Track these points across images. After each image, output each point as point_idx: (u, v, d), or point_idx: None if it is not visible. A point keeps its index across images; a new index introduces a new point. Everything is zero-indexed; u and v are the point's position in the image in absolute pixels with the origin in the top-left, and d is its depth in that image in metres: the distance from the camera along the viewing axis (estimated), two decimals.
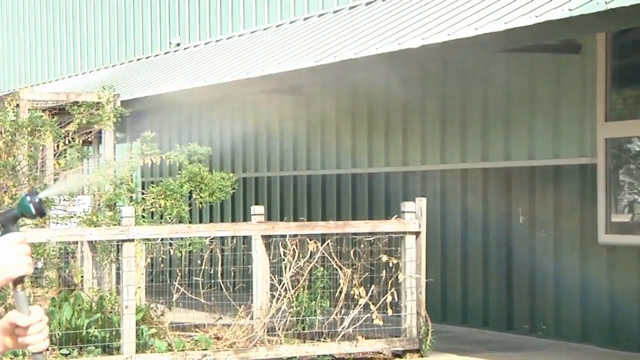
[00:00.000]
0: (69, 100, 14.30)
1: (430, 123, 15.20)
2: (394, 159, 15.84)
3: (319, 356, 11.98)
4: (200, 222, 18.71)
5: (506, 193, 14.07)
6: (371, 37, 13.68)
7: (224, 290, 12.68)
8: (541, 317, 13.52)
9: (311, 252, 12.28)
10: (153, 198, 12.77)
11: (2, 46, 30.08)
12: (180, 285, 12.42)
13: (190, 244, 12.49)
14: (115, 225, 12.17)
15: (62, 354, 11.54)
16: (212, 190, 12.68)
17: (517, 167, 13.91)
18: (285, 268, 12.28)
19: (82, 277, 14.74)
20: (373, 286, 12.31)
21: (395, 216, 12.61)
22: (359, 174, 16.49)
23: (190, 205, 13.28)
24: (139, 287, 13.01)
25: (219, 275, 12.68)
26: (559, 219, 13.33)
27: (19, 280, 2.60)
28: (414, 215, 12.31)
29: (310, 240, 12.32)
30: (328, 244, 12.32)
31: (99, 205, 13.32)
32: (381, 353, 12.16)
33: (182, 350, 11.67)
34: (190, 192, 12.93)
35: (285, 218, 16.35)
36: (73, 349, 11.57)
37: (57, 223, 13.06)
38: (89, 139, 14.71)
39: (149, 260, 13.01)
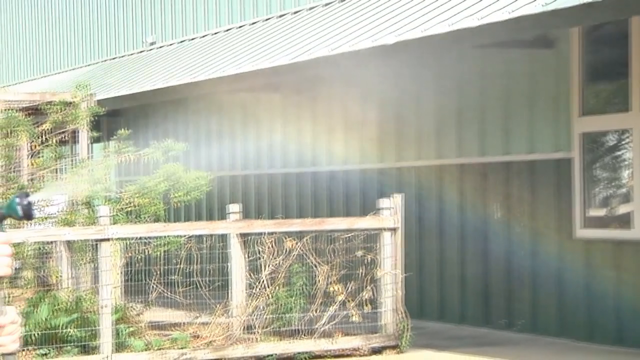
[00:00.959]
0: (44, 100, 14.20)
1: (406, 119, 15.18)
2: (369, 156, 15.81)
3: (297, 353, 11.94)
4: (177, 220, 18.63)
5: (482, 189, 14.08)
6: (346, 34, 13.65)
7: (202, 288, 12.62)
8: (518, 312, 13.53)
9: (288, 250, 12.24)
10: (129, 197, 12.70)
11: None
12: (158, 284, 12.37)
13: (167, 243, 12.42)
14: (91, 224, 12.10)
15: (40, 354, 11.47)
16: (188, 189, 12.63)
17: (493, 162, 13.91)
18: (263, 266, 12.24)
19: (58, 277, 14.66)
20: (351, 283, 12.28)
21: (372, 213, 12.58)
22: (335, 172, 16.46)
23: (167, 204, 13.21)
24: (116, 287, 12.94)
25: (196, 273, 12.62)
26: (535, 214, 13.34)
27: None
28: (390, 212, 12.29)
29: (287, 238, 12.29)
30: (305, 241, 12.29)
31: (75, 204, 13.23)
32: (359, 350, 12.13)
33: (160, 349, 11.62)
34: (167, 191, 12.86)
35: (261, 216, 16.31)
36: (51, 349, 11.51)
37: (33, 223, 12.95)
38: (65, 139, 14.61)
39: (125, 259, 12.93)
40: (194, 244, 12.88)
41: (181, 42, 20.40)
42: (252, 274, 12.27)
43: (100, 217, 11.60)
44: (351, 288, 12.21)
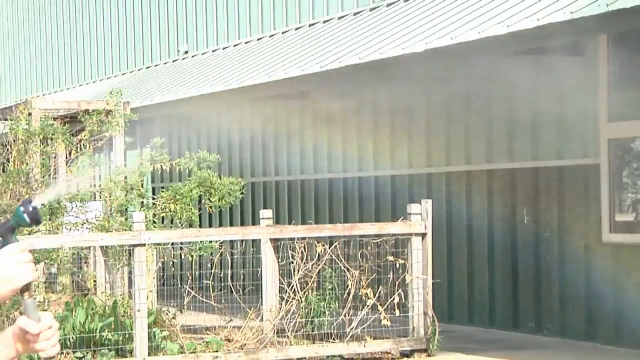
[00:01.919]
0: (80, 108, 14.34)
1: (435, 126, 15.20)
2: (399, 162, 15.85)
3: (327, 357, 11.98)
4: (210, 226, 18.72)
5: (511, 194, 14.08)
6: (376, 42, 13.70)
7: (234, 292, 12.70)
8: (547, 316, 13.52)
9: (319, 255, 12.29)
10: (163, 203, 12.79)
11: (14, 56, 30.14)
12: (191, 289, 12.45)
13: (200, 248, 12.50)
14: (126, 230, 12.19)
15: (77, 357, 11.57)
16: (222, 194, 12.70)
17: (522, 168, 13.91)
18: (294, 270, 12.29)
19: (94, 281, 14.78)
20: (380, 287, 12.32)
21: (402, 218, 12.62)
22: (365, 177, 16.50)
23: (200, 209, 13.30)
24: (151, 291, 13.03)
25: (229, 278, 12.70)
26: (563, 219, 13.33)
27: (25, 289, 2.60)
28: (419, 217, 12.32)
29: (318, 242, 12.33)
30: (336, 246, 12.33)
31: (110, 210, 13.33)
32: (389, 353, 12.16)
33: (194, 352, 11.69)
34: (200, 197, 12.95)
35: (293, 221, 16.38)
36: (87, 352, 11.60)
37: (70, 229, 13.08)
38: (100, 146, 14.73)
39: (160, 264, 13.03)
40: (226, 249, 12.96)
41: (214, 51, 20.50)
42: (283, 279, 12.32)
43: (135, 222, 11.68)
44: (381, 292, 12.24)
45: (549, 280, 13.47)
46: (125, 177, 13.20)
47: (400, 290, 12.19)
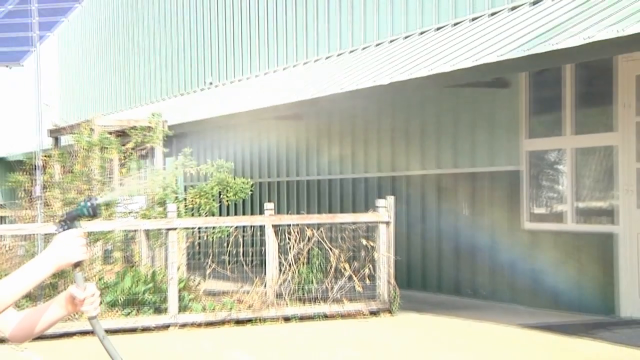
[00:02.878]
0: (129, 125, 14.31)
1: (397, 140, 15.20)
2: (370, 167, 15.85)
3: (314, 314, 11.96)
4: (228, 214, 18.70)
5: (455, 192, 14.09)
6: (375, 70, 13.67)
7: (245, 266, 12.69)
8: (481, 284, 13.53)
9: (309, 237, 12.28)
10: (191, 197, 12.77)
11: (81, 86, 30.10)
12: (212, 263, 12.44)
13: (219, 231, 12.49)
14: (163, 217, 12.19)
15: (124, 314, 11.54)
16: (235, 191, 12.69)
17: (462, 173, 13.93)
18: (290, 249, 12.28)
19: (139, 257, 14.74)
20: (355, 262, 12.31)
21: (371, 210, 12.62)
22: (345, 179, 16.50)
23: (220, 202, 13.28)
24: (181, 265, 13.00)
25: (241, 255, 12.68)
26: (492, 211, 13.35)
27: (77, 264, 2.62)
28: (385, 209, 12.31)
29: (307, 228, 12.33)
30: (321, 231, 12.32)
31: (152, 203, 13.31)
32: (361, 312, 12.15)
33: (213, 311, 11.68)
34: (220, 193, 12.93)
35: (289, 212, 16.37)
36: (132, 310, 11.58)
37: (121, 217, 13.06)
38: (144, 154, 14.71)
39: (188, 244, 13.00)
40: (239, 232, 12.95)
41: (231, 82, 20.47)
42: (282, 255, 12.32)
43: (169, 212, 11.68)
44: (355, 266, 12.23)
45: (482, 257, 13.48)
46: (164, 178, 13.18)
47: (370, 265, 12.18)
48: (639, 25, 8.43)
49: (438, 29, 14.10)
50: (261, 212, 14.30)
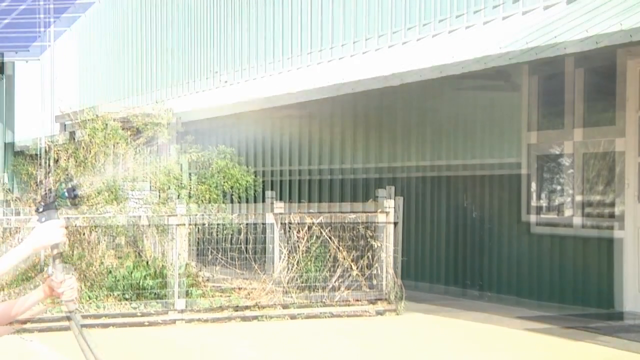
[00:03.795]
0: (134, 112, 14.20)
1: (406, 138, 15.17)
2: (376, 162, 15.81)
3: (321, 312, 11.94)
4: (232, 204, 18.68)
5: (457, 186, 14.06)
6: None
7: (253, 262, 12.66)
8: (486, 282, 13.49)
9: (316, 236, 12.24)
10: (193, 184, 12.73)
11: (96, 81, 30.10)
12: (220, 257, 12.42)
13: (224, 223, 12.42)
14: (167, 208, 12.13)
15: (132, 307, 11.53)
16: (236, 180, 12.60)
17: (464, 164, 13.91)
18: (298, 246, 12.24)
19: (143, 245, 14.68)
20: (362, 261, 12.26)
21: (380, 210, 12.57)
22: (345, 178, 16.45)
23: (224, 191, 13.17)
24: (185, 257, 12.96)
25: (248, 251, 12.66)
26: (493, 204, 13.37)
27: (57, 255, 2.64)
28: (391, 207, 12.23)
29: (315, 225, 12.28)
30: (329, 229, 12.28)
31: (158, 192, 13.18)
32: (367, 311, 12.12)
33: (220, 307, 11.66)
34: (220, 181, 12.86)
35: (298, 209, 16.30)
36: (140, 304, 11.54)
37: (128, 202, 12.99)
38: (150, 142, 14.65)
39: (189, 230, 12.93)
40: (246, 228, 12.88)
41: (246, 81, 20.43)
42: (289, 252, 12.27)
43: (178, 207, 11.66)
44: (362, 265, 12.18)
45: (485, 250, 13.46)
46: (165, 165, 13.12)
47: (376, 264, 12.15)
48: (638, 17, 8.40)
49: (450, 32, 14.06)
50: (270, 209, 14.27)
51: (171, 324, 11.37)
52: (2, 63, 19.69)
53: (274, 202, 12.26)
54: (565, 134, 12.19)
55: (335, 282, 12.17)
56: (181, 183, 13.06)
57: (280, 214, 12.11)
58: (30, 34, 18.29)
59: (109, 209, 11.87)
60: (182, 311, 11.40)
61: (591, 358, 9.31)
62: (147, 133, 13.26)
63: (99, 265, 12.34)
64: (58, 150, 14.05)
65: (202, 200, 12.66)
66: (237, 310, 11.59)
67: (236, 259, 12.53)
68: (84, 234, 12.34)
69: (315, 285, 12.19)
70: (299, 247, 12.21)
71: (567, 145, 12.18)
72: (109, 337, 10.48)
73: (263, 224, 12.62)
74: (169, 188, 12.76)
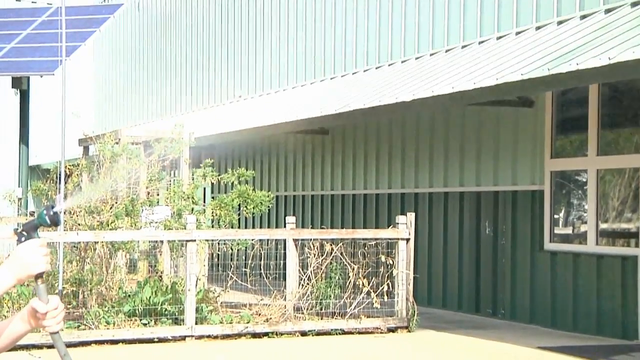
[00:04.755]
0: (155, 136, 14.24)
1: (421, 157, 15.07)
2: (394, 183, 15.72)
3: (332, 330, 11.84)
4: (253, 227, 18.63)
5: (477, 210, 13.92)
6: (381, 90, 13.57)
7: (265, 278, 12.60)
8: (501, 303, 13.33)
9: (328, 252, 12.17)
10: (211, 209, 12.70)
11: (112, 97, 30.24)
12: (232, 274, 12.36)
13: (238, 243, 12.42)
14: (182, 229, 12.11)
15: (143, 324, 11.49)
16: (256, 203, 12.61)
17: (485, 191, 13.76)
18: (309, 264, 12.18)
19: (162, 267, 14.66)
20: (374, 278, 12.17)
21: (391, 226, 12.48)
22: (368, 194, 16.37)
23: (239, 214, 13.19)
24: (204, 275, 12.92)
25: (261, 267, 12.60)
26: (515, 230, 13.16)
27: (39, 276, 2.50)
28: (405, 226, 12.17)
29: (328, 243, 12.22)
30: (341, 246, 12.21)
31: (175, 214, 13.23)
32: (379, 329, 12.02)
33: (230, 323, 11.59)
34: (239, 206, 12.86)
35: (312, 226, 16.26)
36: (151, 320, 11.52)
37: (141, 227, 12.98)
38: (169, 164, 14.65)
39: (209, 255, 12.91)
40: (260, 245, 12.86)
41: (260, 95, 20.43)
42: (301, 269, 12.21)
43: (188, 224, 11.60)
44: (374, 282, 12.09)
45: (503, 276, 13.29)
46: (183, 189, 13.11)
47: (388, 281, 12.05)
48: None
49: (464, 47, 13.97)
50: (283, 225, 14.21)
51: (181, 341, 11.26)
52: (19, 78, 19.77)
53: (292, 225, 12.17)
54: (587, 160, 12.03)
55: (347, 299, 12.05)
56: (202, 207, 13.01)
57: (297, 239, 12.03)
58: (55, 58, 18.33)
59: (128, 233, 11.83)
60: (192, 328, 11.28)
61: None
62: (167, 156, 13.23)
63: (112, 283, 12.29)
64: (76, 171, 14.04)
65: (220, 225, 12.61)
66: (247, 327, 11.48)
67: (251, 278, 12.44)
68: (95, 251, 12.30)
69: (328, 303, 12.08)
70: (309, 264, 12.12)
71: (589, 171, 12.01)
72: (118, 355, 10.39)
73: (276, 242, 12.53)
74: (190, 212, 12.72)
